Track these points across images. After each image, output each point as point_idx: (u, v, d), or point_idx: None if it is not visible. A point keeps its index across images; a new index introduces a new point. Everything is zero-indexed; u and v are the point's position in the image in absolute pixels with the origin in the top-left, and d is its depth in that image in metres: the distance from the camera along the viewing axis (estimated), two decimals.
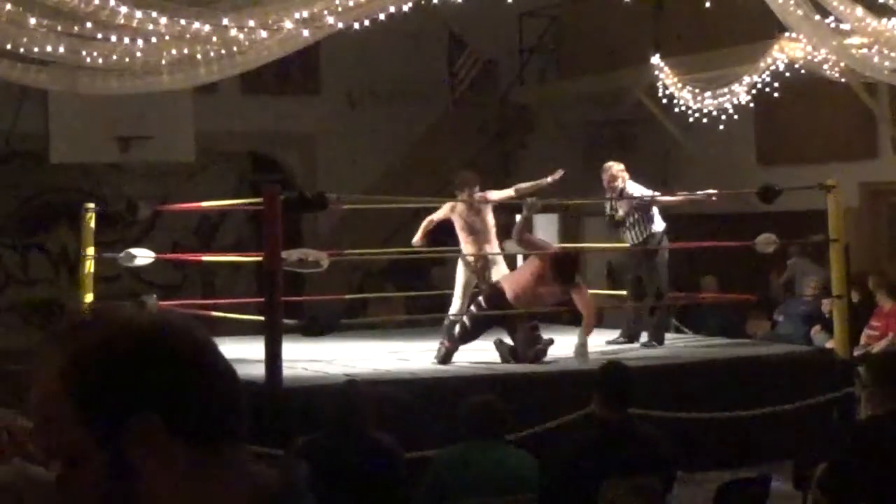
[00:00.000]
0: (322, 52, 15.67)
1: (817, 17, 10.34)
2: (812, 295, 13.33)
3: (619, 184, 11.39)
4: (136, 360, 1.51)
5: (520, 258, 11.47)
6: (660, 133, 15.87)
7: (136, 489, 1.50)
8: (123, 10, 8.70)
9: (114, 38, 9.07)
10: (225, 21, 9.16)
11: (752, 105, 13.99)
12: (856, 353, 10.93)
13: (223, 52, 9.58)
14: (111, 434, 1.49)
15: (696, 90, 14.06)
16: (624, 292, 11.95)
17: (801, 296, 13.64)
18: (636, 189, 11.50)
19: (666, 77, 14.23)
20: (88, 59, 9.22)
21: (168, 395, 1.51)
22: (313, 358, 10.25)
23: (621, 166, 11.46)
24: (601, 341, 11.16)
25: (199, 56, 9.54)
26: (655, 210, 11.43)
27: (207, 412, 1.53)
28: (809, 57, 12.54)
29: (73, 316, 1.58)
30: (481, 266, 11.29)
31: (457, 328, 10.49)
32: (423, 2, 9.98)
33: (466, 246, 11.33)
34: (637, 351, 11.01)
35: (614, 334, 11.65)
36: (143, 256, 11.23)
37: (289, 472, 1.63)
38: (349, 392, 6.74)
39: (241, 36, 9.32)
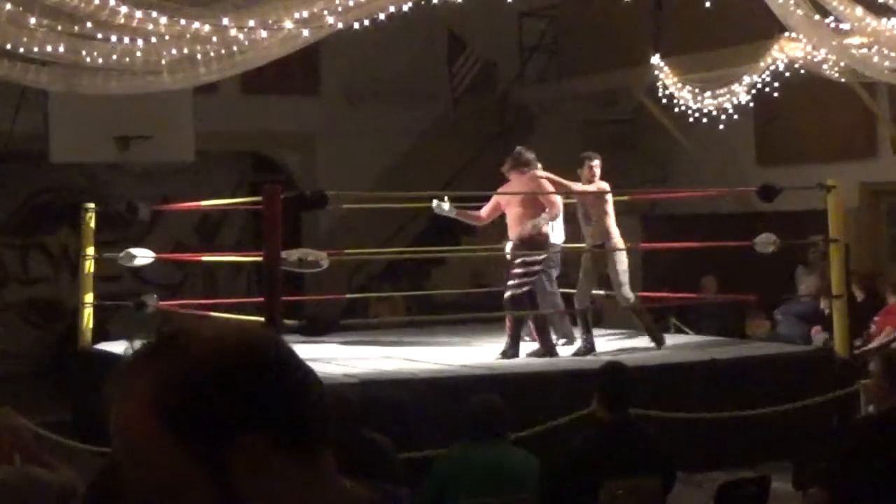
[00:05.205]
0: (322, 52, 15.67)
1: (817, 17, 10.34)
2: (808, 295, 13.35)
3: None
4: (237, 379, 1.41)
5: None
6: (660, 133, 15.86)
7: None
8: (123, 10, 8.69)
9: (114, 38, 9.06)
10: (225, 21, 9.15)
11: (752, 105, 13.98)
12: (856, 349, 10.97)
13: (223, 52, 9.57)
14: (217, 461, 1.38)
15: (696, 90, 14.05)
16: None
17: (800, 296, 13.66)
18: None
19: (666, 77, 14.23)
20: (88, 59, 9.21)
21: (271, 410, 1.42)
22: (313, 358, 10.24)
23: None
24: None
25: (199, 56, 9.54)
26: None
27: (305, 421, 1.45)
28: (809, 57, 12.53)
29: (157, 335, 1.45)
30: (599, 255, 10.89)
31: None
32: (423, 2, 9.97)
33: (586, 230, 11.02)
34: (637, 351, 10.99)
35: (612, 333, 11.61)
36: (143, 256, 11.25)
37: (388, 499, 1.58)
38: (342, 392, 6.74)
39: (241, 36, 9.31)
